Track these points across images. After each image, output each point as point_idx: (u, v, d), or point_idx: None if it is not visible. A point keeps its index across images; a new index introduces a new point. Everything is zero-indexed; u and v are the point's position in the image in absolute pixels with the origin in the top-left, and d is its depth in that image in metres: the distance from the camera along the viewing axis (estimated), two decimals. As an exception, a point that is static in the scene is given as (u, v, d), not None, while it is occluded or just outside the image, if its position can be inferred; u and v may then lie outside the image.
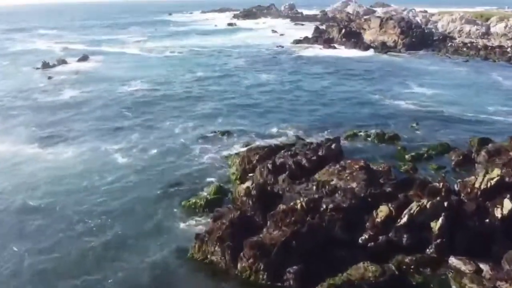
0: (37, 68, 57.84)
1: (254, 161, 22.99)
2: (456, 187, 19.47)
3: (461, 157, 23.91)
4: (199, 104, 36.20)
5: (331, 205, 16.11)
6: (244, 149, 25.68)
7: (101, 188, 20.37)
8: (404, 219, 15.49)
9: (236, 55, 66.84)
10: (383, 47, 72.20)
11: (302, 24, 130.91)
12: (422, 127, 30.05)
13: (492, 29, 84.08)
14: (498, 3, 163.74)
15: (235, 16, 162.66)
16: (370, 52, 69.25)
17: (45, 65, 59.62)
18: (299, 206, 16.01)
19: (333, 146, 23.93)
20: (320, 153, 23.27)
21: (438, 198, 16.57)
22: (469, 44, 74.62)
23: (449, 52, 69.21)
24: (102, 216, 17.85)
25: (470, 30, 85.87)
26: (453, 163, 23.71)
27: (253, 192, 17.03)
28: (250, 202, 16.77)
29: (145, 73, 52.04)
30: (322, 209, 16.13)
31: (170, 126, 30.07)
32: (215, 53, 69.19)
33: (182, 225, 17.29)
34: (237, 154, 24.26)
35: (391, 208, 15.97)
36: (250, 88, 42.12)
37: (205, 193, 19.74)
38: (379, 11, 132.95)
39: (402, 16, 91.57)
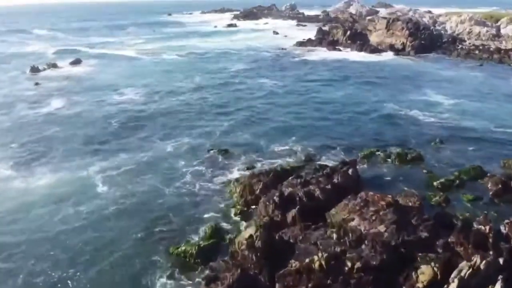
0: (25, 73, 54.52)
1: (257, 191, 19.60)
2: (503, 229, 16.07)
3: (499, 186, 20.46)
4: (196, 117, 32.63)
5: (358, 264, 12.66)
6: (246, 172, 22.33)
7: (73, 230, 16.93)
8: (454, 285, 12.02)
9: (237, 59, 63.40)
10: (391, 50, 68.77)
11: (304, 25, 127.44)
12: (447, 144, 26.58)
13: (503, 31, 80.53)
14: (502, 4, 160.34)
15: (235, 17, 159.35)
16: (378, 55, 65.74)
17: (34, 70, 56.26)
18: (317, 264, 12.60)
19: (350, 171, 20.53)
20: (335, 180, 19.89)
21: (491, 253, 13.15)
22: (481, 47, 71.07)
23: (461, 56, 65.75)
24: (69, 269, 14.43)
25: (480, 32, 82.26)
26: (490, 193, 20.24)
27: (258, 243, 13.58)
28: (254, 257, 13.33)
29: (139, 79, 48.62)
30: (346, 268, 12.68)
31: (162, 145, 26.58)
32: (214, 57, 65.73)
33: (167, 284, 13.82)
34: (237, 180, 20.80)
35: (435, 268, 12.52)
36: (252, 98, 38.49)
37: (197, 238, 16.26)
38: (383, 11, 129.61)
39: (409, 17, 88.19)
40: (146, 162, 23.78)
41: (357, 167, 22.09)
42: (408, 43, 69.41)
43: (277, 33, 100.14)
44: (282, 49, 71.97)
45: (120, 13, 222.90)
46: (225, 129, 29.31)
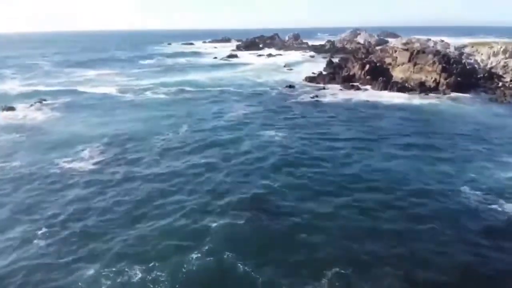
0: (-31, 121, 43.09)
1: None
2: None
3: None
4: (168, 210, 20.13)
5: None
6: None
7: None
8: None
9: (237, 99, 51.98)
10: (421, 88, 57.31)
11: (312, 56, 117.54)
12: None
13: (545, 65, 69.47)
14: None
15: (237, 47, 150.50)
16: (409, 96, 54.12)
17: (-18, 116, 45.06)
18: None
19: None
20: None
21: None
22: (528, 85, 59.69)
23: (507, 96, 54.18)
24: None
25: (517, 66, 71.15)
26: None
27: None
28: None
29: (108, 129, 37.02)
30: None
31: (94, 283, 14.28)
32: (210, 96, 54.30)
33: None
34: None
35: None
36: (257, 174, 25.23)
37: None
38: (393, 41, 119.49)
39: (435, 49, 77.35)
40: None
41: None
42: (442, 80, 57.94)
43: (282, 66, 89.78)
44: (290, 86, 60.62)
45: (118, 43, 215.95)
46: (213, 247, 16.76)
